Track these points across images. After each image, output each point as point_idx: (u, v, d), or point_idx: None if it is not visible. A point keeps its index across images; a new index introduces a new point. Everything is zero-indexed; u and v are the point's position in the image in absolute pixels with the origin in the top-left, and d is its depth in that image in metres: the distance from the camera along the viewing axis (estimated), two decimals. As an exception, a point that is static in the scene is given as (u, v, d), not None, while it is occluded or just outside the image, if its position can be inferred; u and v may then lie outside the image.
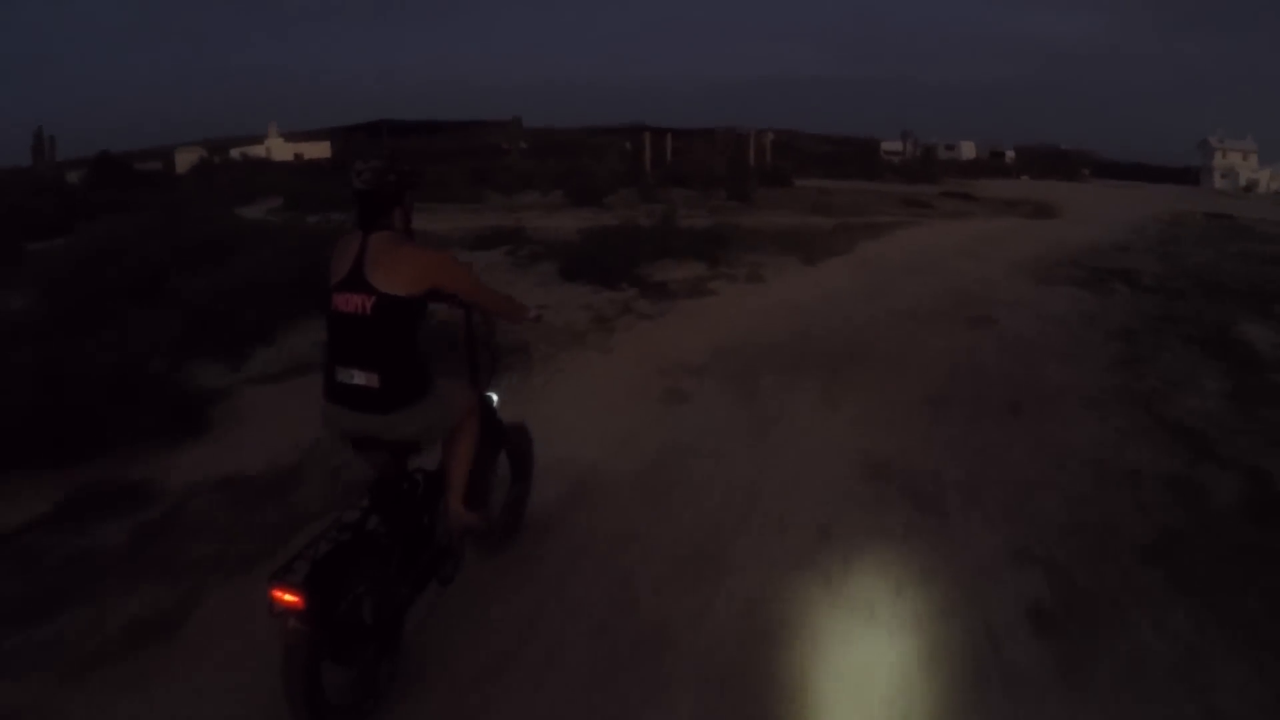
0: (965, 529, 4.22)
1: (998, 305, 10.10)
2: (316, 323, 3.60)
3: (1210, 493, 4.67)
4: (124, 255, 7.74)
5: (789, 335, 8.01)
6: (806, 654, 3.14)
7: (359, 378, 2.62)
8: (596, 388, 6.28)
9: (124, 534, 3.90)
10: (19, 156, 35.69)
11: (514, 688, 2.91)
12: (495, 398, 3.42)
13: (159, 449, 4.70)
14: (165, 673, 2.94)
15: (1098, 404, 6.29)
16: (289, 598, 2.28)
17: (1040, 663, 3.10)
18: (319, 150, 43.99)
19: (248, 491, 4.35)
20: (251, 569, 3.49)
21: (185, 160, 40.39)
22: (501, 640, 3.16)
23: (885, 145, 60.48)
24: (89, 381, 4.60)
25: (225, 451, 4.84)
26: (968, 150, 68.43)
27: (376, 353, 2.62)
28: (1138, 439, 5.54)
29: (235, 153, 44.13)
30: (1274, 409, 6.26)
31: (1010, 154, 69.21)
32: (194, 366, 6.05)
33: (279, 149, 47.03)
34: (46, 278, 7.66)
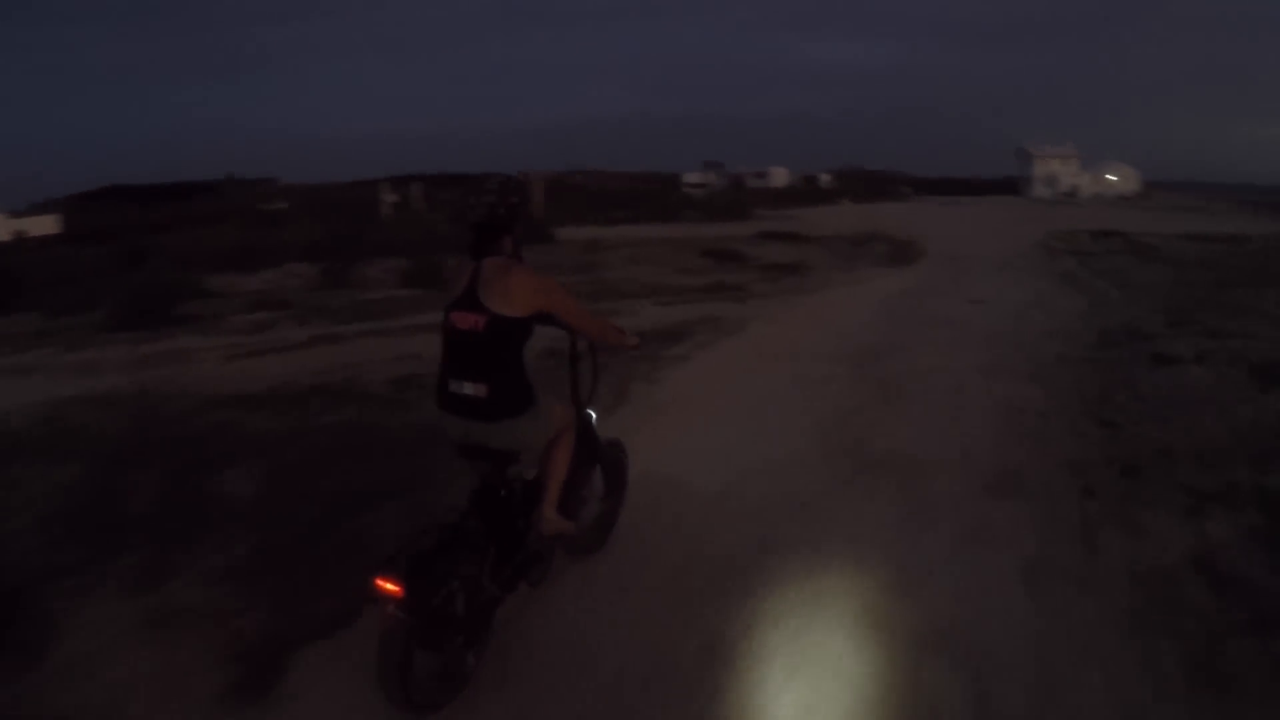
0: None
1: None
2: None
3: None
4: None
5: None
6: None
7: (469, 388, 2.80)
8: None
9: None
10: None
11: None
12: (594, 415, 3.56)
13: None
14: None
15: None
16: (390, 587, 2.42)
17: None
18: (45, 225, 40.03)
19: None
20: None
21: None
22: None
23: (688, 178, 53.98)
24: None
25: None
26: (780, 177, 63.39)
27: (487, 366, 2.79)
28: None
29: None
30: None
31: (826, 178, 64.73)
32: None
33: (-2, 228, 39.13)
34: None
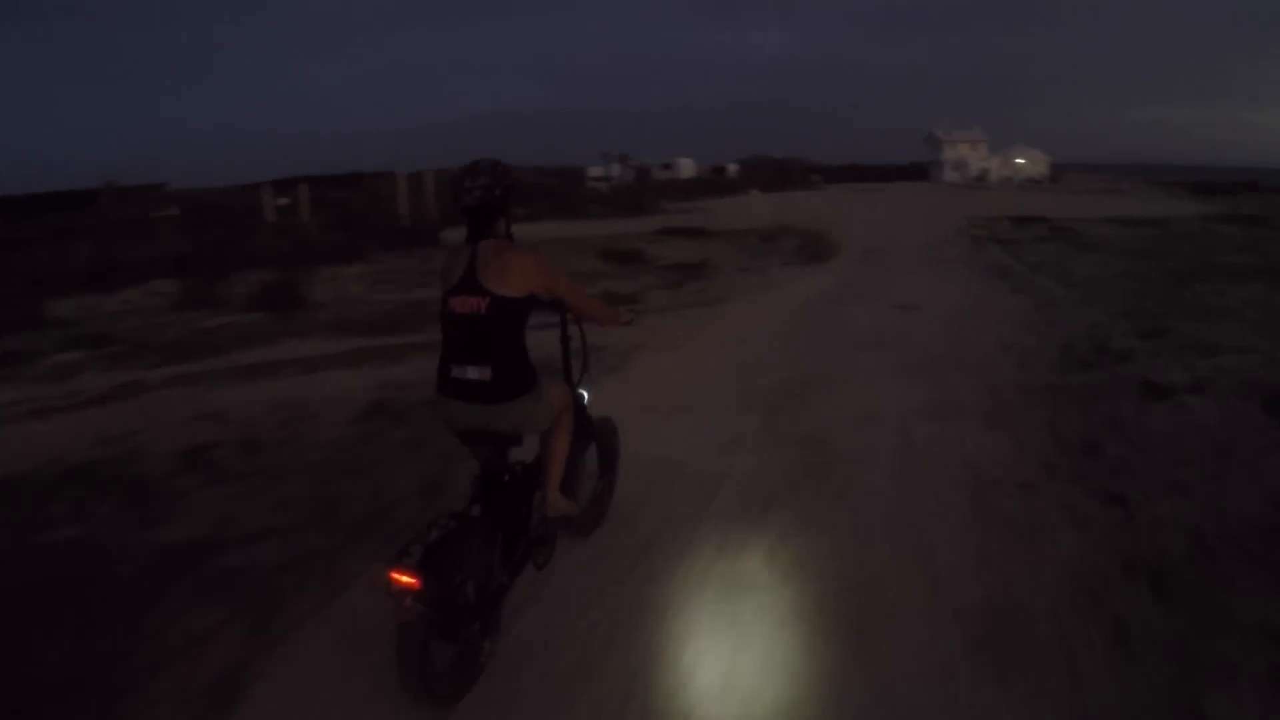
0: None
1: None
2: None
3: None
4: None
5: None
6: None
7: (472, 372, 2.76)
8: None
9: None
10: None
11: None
12: (586, 395, 3.52)
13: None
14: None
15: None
16: (406, 579, 2.38)
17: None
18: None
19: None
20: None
21: None
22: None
23: (592, 172, 51.95)
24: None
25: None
26: (687, 168, 61.17)
27: (489, 348, 2.76)
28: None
29: None
30: None
31: (733, 168, 63.50)
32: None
33: None
34: None
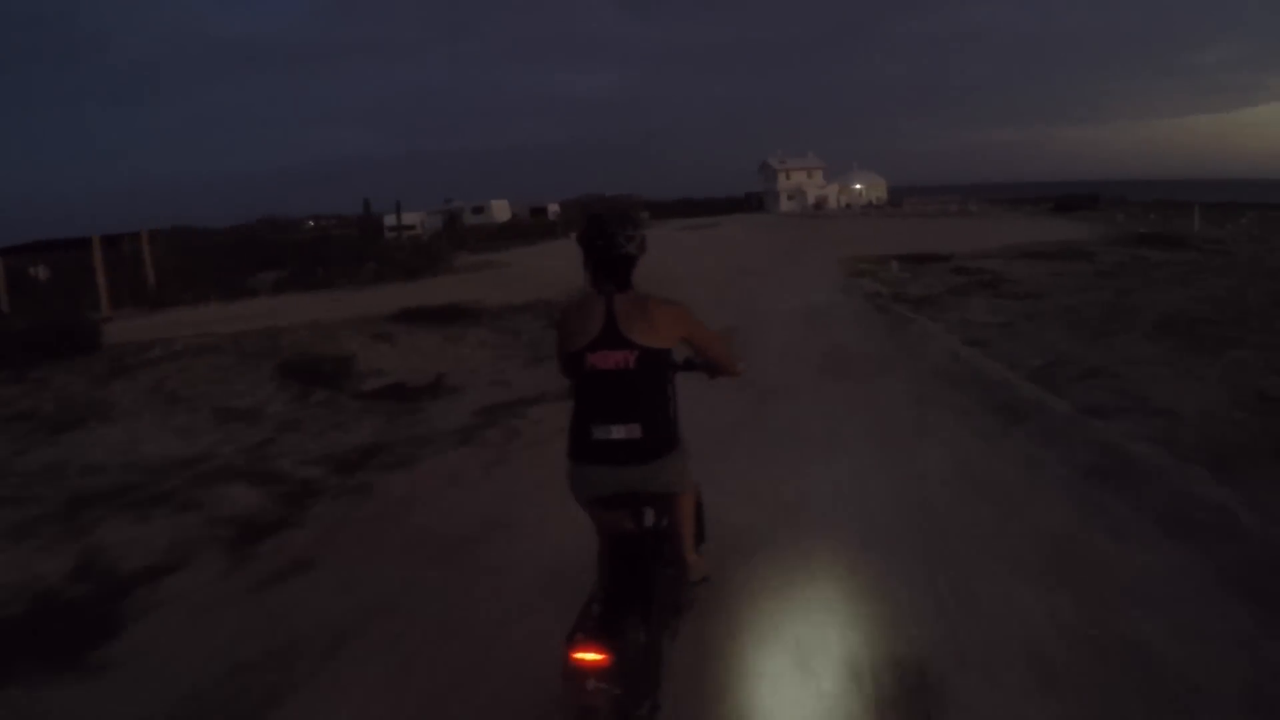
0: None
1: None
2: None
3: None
4: None
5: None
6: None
7: (618, 431, 2.55)
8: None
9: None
10: None
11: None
12: None
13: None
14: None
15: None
16: (593, 656, 2.20)
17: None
18: None
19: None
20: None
21: None
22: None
23: (389, 220, 44.04)
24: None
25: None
26: (502, 211, 54.21)
27: (638, 405, 2.56)
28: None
29: None
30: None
31: (554, 208, 57.33)
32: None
33: None
34: None
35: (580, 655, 2.20)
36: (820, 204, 62.80)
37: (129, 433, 6.91)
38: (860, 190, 65.76)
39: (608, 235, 2.56)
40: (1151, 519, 3.82)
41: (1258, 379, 6.15)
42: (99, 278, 19.21)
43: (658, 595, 2.62)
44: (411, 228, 42.97)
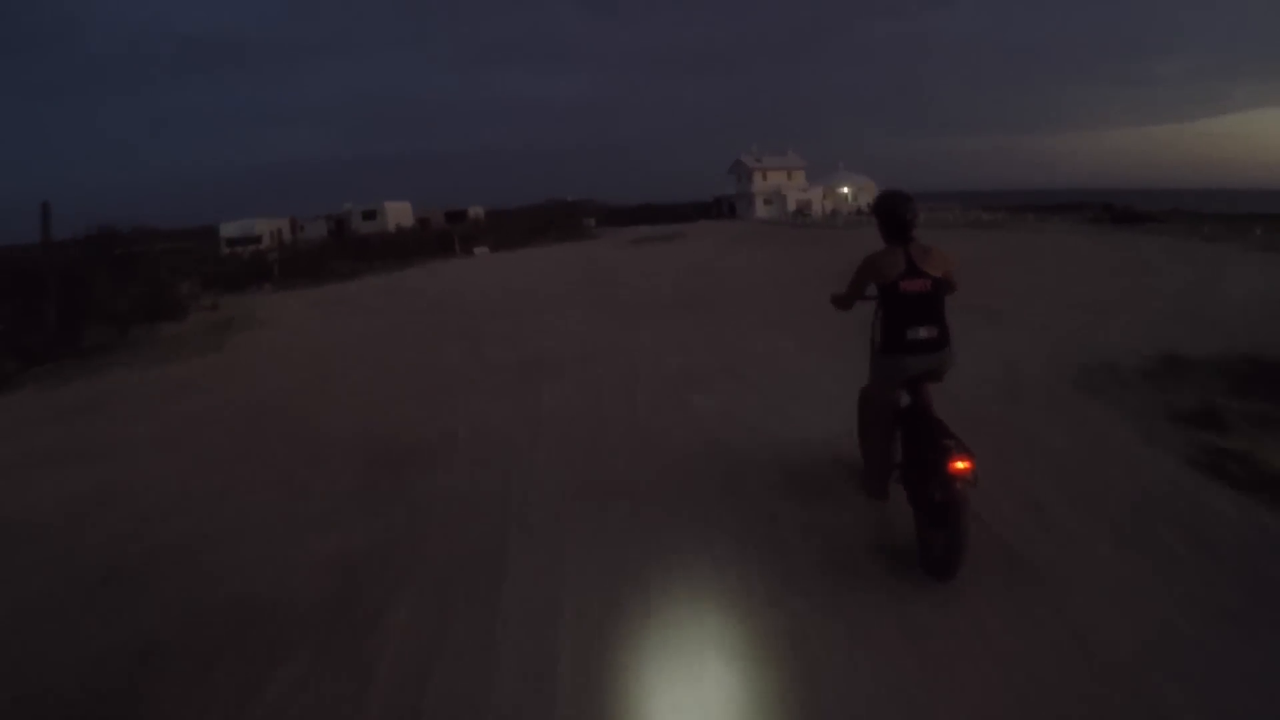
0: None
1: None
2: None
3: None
4: None
5: None
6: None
7: (924, 332, 3.80)
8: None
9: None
10: None
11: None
12: None
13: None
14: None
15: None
16: (963, 464, 3.21)
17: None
18: None
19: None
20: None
21: None
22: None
23: (225, 230, 34.41)
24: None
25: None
26: (399, 215, 44.41)
27: (935, 314, 3.81)
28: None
29: None
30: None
31: (478, 211, 47.89)
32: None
33: None
34: None
35: (956, 465, 3.22)
36: (804, 210, 53.09)
37: None
38: (847, 194, 56.21)
39: (909, 209, 3.88)
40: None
41: None
42: None
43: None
44: (257, 240, 33.20)
